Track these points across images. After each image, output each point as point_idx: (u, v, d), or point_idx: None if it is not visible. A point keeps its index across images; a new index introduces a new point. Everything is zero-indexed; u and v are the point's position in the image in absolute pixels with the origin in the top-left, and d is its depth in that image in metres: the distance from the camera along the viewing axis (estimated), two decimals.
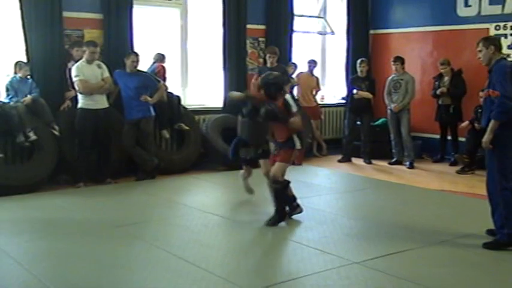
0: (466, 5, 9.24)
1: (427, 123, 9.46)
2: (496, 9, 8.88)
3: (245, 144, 6.31)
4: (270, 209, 5.76)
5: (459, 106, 8.92)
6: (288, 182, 5.72)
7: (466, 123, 8.62)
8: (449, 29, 9.52)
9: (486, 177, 5.07)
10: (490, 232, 5.16)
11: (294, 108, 5.52)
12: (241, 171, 6.64)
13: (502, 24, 8.82)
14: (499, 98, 4.82)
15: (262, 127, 5.91)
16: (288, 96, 5.59)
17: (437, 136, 9.30)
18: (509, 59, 8.60)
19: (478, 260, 4.75)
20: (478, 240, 5.16)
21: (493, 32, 8.89)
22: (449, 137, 9.19)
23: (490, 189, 5.02)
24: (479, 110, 8.53)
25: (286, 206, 5.74)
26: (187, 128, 8.30)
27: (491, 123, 4.90)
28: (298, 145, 5.55)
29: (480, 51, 5.10)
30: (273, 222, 5.59)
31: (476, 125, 8.43)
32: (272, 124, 5.66)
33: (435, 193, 7.31)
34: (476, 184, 7.74)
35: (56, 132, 7.14)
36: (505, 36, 8.79)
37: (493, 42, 5.14)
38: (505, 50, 8.72)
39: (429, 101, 9.30)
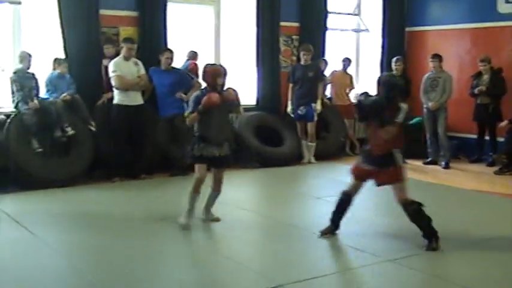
0: (507, 1, 9.03)
1: (463, 123, 9.30)
2: None
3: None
4: (304, 205, 5.74)
5: (498, 105, 8.72)
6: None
7: (505, 122, 8.43)
8: (489, 26, 9.33)
9: None
10: None
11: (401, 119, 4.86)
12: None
13: None
14: None
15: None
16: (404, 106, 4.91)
17: (474, 136, 9.12)
18: None
19: (504, 258, 4.65)
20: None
21: None
22: (486, 137, 9.00)
23: None
24: None
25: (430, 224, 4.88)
26: None
27: None
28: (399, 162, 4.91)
29: None
30: (430, 247, 4.80)
31: None
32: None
33: (472, 193, 7.17)
34: None
35: (92, 128, 7.25)
36: None
37: None
38: None
39: (466, 100, 9.13)
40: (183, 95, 7.60)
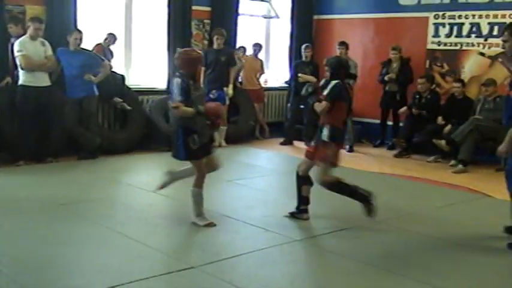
0: None
1: (367, 109, 9.72)
2: None
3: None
4: (214, 188, 5.83)
5: (405, 93, 9.20)
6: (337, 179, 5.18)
7: (404, 108, 8.92)
8: (391, 16, 9.78)
9: (507, 182, 4.76)
10: (508, 230, 4.88)
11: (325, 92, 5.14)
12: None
13: (440, 13, 9.13)
14: None
15: None
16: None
17: (377, 121, 9.56)
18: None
19: (412, 238, 4.98)
20: (413, 220, 5.41)
21: (432, 21, 9.21)
22: (389, 122, 9.46)
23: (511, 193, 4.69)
24: (417, 96, 8.86)
25: (355, 191, 5.19)
26: (129, 107, 8.25)
27: (510, 132, 4.46)
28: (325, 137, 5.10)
29: (505, 41, 4.48)
30: (368, 211, 5.13)
31: (414, 110, 8.74)
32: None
33: (374, 175, 7.55)
34: (413, 167, 8.07)
35: None
36: (443, 25, 9.10)
37: None
38: (442, 39, 9.11)
39: (370, 87, 9.56)
40: (92, 77, 7.46)
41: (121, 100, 8.13)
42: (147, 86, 9.08)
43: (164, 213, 5.50)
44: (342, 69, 5.27)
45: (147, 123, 8.50)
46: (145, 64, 9.24)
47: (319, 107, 5.16)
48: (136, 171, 7.43)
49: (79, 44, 7.39)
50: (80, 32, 7.43)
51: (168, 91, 8.96)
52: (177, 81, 4.85)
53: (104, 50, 8.12)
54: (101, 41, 8.18)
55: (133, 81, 8.89)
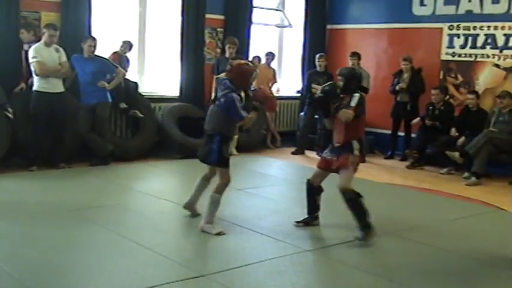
0: (422, 4, 9.47)
1: (379, 119, 9.67)
2: (450, 10, 9.13)
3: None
4: (225, 197, 5.80)
5: (416, 104, 9.15)
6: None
7: (417, 119, 8.86)
8: (405, 27, 9.75)
9: None
10: None
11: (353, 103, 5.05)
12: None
13: (455, 24, 9.08)
14: None
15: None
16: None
17: (389, 132, 9.51)
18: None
19: (423, 251, 4.93)
20: (425, 232, 5.36)
21: (446, 32, 9.17)
22: (400, 133, 9.41)
23: None
24: (430, 107, 8.81)
25: (365, 214, 5.05)
26: (141, 115, 8.27)
27: None
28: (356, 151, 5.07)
29: None
30: (359, 238, 4.99)
31: (427, 121, 8.69)
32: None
33: (386, 186, 7.51)
34: (425, 179, 8.01)
35: (10, 115, 7.00)
36: (458, 36, 9.06)
37: None
38: (457, 50, 9.06)
39: (383, 97, 9.51)
40: (106, 84, 7.50)
41: (126, 106, 8.14)
42: (159, 94, 9.11)
43: (175, 221, 5.49)
44: (353, 80, 5.21)
45: (159, 131, 8.52)
46: (159, 72, 9.28)
47: (346, 114, 5.03)
48: (147, 178, 7.44)
49: (93, 51, 7.43)
50: (94, 39, 7.48)
51: (180, 98, 9.03)
52: (234, 97, 4.93)
53: (121, 58, 8.15)
54: (117, 48, 8.21)
55: (146, 88, 8.92)
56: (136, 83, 8.42)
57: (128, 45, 8.27)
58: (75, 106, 7.49)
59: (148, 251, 4.50)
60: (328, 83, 5.57)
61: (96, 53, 7.52)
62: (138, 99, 8.39)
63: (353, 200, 5.04)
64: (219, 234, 4.99)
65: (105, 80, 7.52)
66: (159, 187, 6.75)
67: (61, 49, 7.17)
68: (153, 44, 9.08)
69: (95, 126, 7.57)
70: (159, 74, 9.28)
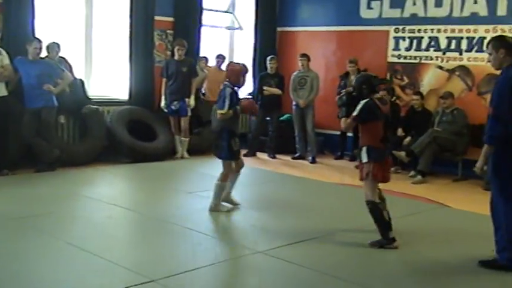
0: (369, 7, 9.65)
1: (328, 120, 9.79)
2: (396, 13, 9.34)
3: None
4: (176, 200, 5.79)
5: None
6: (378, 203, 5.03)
7: None
8: (353, 29, 9.91)
9: (490, 197, 4.60)
10: (482, 263, 4.59)
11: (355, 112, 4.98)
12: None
13: (400, 27, 9.29)
14: (491, 119, 4.33)
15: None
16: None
17: (338, 133, 9.64)
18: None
19: (367, 245, 5.03)
20: (369, 231, 5.46)
21: (392, 35, 9.36)
22: (349, 134, 9.55)
23: (493, 210, 4.53)
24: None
25: (384, 226, 4.99)
26: (94, 107, 8.18)
27: (484, 148, 4.40)
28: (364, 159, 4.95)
29: (490, 54, 4.48)
30: (376, 244, 4.98)
31: None
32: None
33: (336, 186, 7.61)
34: None
35: None
36: (403, 38, 9.26)
37: (505, 44, 4.43)
38: (402, 52, 9.27)
39: (331, 99, 9.60)
40: (52, 87, 7.33)
41: (64, 121, 8.05)
42: (108, 97, 8.98)
43: (124, 226, 5.43)
44: (363, 85, 5.05)
45: (108, 135, 8.39)
46: (107, 75, 9.14)
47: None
48: (96, 183, 7.31)
49: (38, 54, 7.26)
50: (39, 41, 7.30)
51: (129, 101, 8.93)
52: (227, 91, 5.64)
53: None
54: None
55: (93, 91, 8.77)
56: (82, 80, 8.26)
57: (55, 48, 7.83)
58: (19, 110, 7.29)
59: (97, 257, 4.42)
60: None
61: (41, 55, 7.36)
62: (86, 101, 8.25)
63: (370, 209, 4.98)
64: (228, 211, 5.72)
65: (51, 83, 7.34)
66: (107, 192, 6.65)
67: (3, 51, 6.98)
68: (101, 46, 8.94)
69: (41, 130, 7.39)
70: (107, 77, 9.15)
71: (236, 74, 5.81)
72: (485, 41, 8.17)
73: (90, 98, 8.34)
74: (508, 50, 4.40)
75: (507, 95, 4.27)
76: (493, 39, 4.61)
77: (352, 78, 9.27)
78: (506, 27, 8.20)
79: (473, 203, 6.72)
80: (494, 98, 4.38)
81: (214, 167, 8.52)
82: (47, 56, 7.78)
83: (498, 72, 4.57)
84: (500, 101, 4.31)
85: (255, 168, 8.65)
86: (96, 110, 8.24)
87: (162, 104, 8.89)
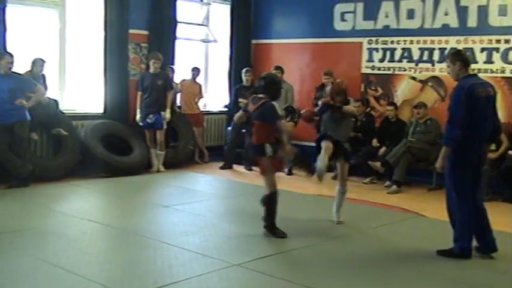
0: (342, 19, 9.75)
1: (304, 131, 9.82)
2: (369, 25, 9.44)
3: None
4: (152, 214, 5.75)
5: None
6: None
7: None
8: (327, 41, 9.99)
9: (446, 195, 5.15)
10: (439, 252, 5.15)
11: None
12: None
13: (374, 38, 9.39)
14: (447, 124, 4.88)
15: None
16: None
17: (314, 144, 9.63)
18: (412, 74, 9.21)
19: (343, 257, 5.07)
20: (347, 240, 5.48)
21: (366, 46, 9.46)
22: None
23: (448, 206, 5.11)
24: (353, 120, 9.02)
25: (269, 218, 5.53)
26: (65, 133, 8.05)
27: (443, 149, 4.94)
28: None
29: (448, 66, 5.08)
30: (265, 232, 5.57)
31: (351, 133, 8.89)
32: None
33: (313, 198, 7.62)
34: (350, 189, 8.11)
35: None
36: (377, 50, 9.37)
37: (460, 57, 5.05)
38: (376, 63, 9.37)
39: None
40: (24, 102, 7.24)
41: (36, 138, 7.92)
42: (82, 111, 8.91)
43: (99, 242, 5.37)
44: (273, 86, 5.53)
45: (82, 149, 8.31)
46: (81, 88, 9.07)
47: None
48: (70, 198, 7.22)
49: (10, 68, 7.18)
50: (11, 55, 7.22)
51: (104, 115, 8.87)
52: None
53: (34, 76, 7.84)
54: (30, 67, 7.90)
55: (67, 105, 8.69)
56: (56, 101, 8.18)
57: (40, 64, 7.93)
58: None
59: (71, 274, 4.36)
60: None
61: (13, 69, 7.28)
62: (59, 117, 8.16)
63: (275, 201, 5.52)
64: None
65: (23, 97, 7.26)
66: (82, 207, 6.58)
67: None
68: (75, 60, 8.87)
69: (13, 146, 7.29)
70: (81, 91, 9.08)
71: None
72: None
73: (63, 119, 8.20)
74: (463, 63, 4.99)
75: (463, 102, 4.80)
76: (451, 53, 5.19)
77: (328, 90, 9.32)
78: (476, 38, 8.36)
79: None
80: (451, 105, 4.90)
81: (190, 180, 8.56)
82: (30, 71, 7.73)
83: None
84: (456, 107, 4.83)
85: (231, 180, 8.65)
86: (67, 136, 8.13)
87: (138, 117, 8.84)
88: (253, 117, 5.53)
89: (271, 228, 5.53)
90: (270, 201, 5.51)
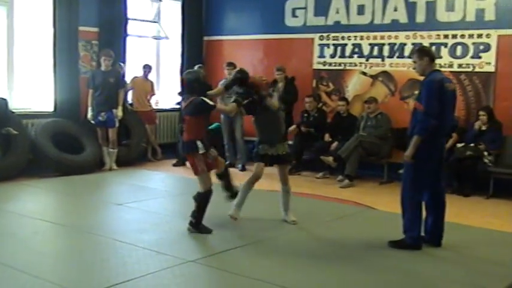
0: (294, 15, 9.84)
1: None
2: (320, 21, 9.56)
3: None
4: (104, 212, 5.70)
5: (291, 111, 9.45)
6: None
7: (293, 127, 9.16)
8: (278, 37, 10.07)
9: (401, 185, 5.27)
10: (391, 243, 5.27)
11: None
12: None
13: (325, 34, 9.52)
14: (422, 115, 4.94)
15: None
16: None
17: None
18: (362, 70, 9.34)
19: (297, 251, 5.15)
20: (300, 235, 5.56)
21: (317, 42, 9.58)
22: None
23: (402, 196, 5.21)
24: (305, 115, 9.16)
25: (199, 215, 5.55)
26: (15, 132, 7.88)
27: (414, 139, 5.01)
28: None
29: (415, 62, 5.17)
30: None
31: (302, 128, 9.02)
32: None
33: (264, 193, 7.66)
34: (303, 184, 8.29)
35: None
36: (328, 46, 9.50)
37: (427, 53, 5.18)
38: (327, 59, 9.50)
39: None
40: None
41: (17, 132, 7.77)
42: (32, 110, 8.73)
43: (51, 241, 5.30)
44: (194, 83, 5.50)
45: (32, 148, 8.15)
46: (30, 87, 8.89)
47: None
48: (20, 198, 7.07)
49: None
50: None
51: (54, 114, 8.72)
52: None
53: None
54: None
55: (16, 104, 8.50)
56: (5, 100, 7.99)
57: None
58: None
59: (24, 274, 4.29)
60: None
61: None
62: (9, 116, 7.98)
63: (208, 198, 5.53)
64: (231, 217, 5.80)
65: None
66: (33, 207, 6.46)
67: None
68: (23, 57, 8.69)
69: None
70: (30, 89, 8.89)
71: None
72: (406, 47, 8.70)
73: (12, 118, 8.02)
74: (430, 58, 5.12)
75: (435, 94, 4.94)
76: (418, 49, 5.32)
77: (280, 85, 9.43)
78: (425, 33, 8.58)
79: (399, 204, 6.94)
80: (424, 98, 4.99)
81: (143, 178, 8.51)
82: None
83: (421, 77, 5.28)
84: (429, 99, 4.94)
85: (185, 177, 8.62)
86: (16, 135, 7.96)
87: (89, 115, 8.73)
88: (184, 113, 5.59)
89: (198, 225, 5.53)
90: (202, 200, 5.50)
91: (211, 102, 5.50)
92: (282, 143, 6.00)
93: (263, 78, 6.70)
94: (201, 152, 5.42)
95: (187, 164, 9.35)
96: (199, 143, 5.42)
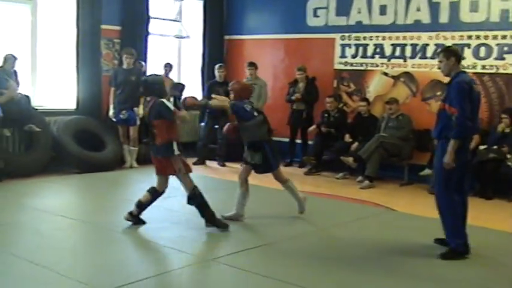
0: (315, 15, 9.81)
1: (277, 127, 9.83)
2: (342, 21, 9.52)
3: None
4: (124, 209, 5.74)
5: (311, 112, 9.44)
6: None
7: (313, 127, 9.14)
8: (300, 37, 10.04)
9: (435, 190, 5.17)
10: (438, 241, 5.20)
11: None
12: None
13: (347, 34, 9.48)
14: (458, 118, 4.76)
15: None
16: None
17: (287, 139, 9.73)
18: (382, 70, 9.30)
19: (317, 251, 5.14)
20: (319, 236, 5.55)
21: (339, 42, 9.54)
22: (298, 141, 9.67)
23: (439, 202, 5.05)
24: (326, 115, 9.13)
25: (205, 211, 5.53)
26: (38, 129, 7.97)
27: (452, 143, 4.81)
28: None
29: (440, 61, 5.03)
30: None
31: (323, 128, 9.00)
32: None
33: (285, 193, 7.66)
34: (322, 184, 8.28)
35: None
36: (349, 46, 9.45)
37: (454, 53, 5.05)
38: (348, 59, 9.46)
39: (280, 106, 9.73)
40: None
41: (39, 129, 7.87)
42: (54, 107, 8.82)
43: (72, 237, 5.35)
44: (156, 85, 5.51)
45: (55, 145, 8.24)
46: (53, 84, 8.98)
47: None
48: (43, 195, 7.16)
49: None
50: None
51: (77, 111, 8.80)
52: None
53: (4, 72, 7.73)
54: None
55: (39, 101, 8.60)
56: (28, 96, 8.08)
57: (12, 60, 7.82)
58: None
59: (45, 269, 4.35)
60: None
61: None
62: (32, 113, 8.07)
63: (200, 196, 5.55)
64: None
65: None
66: (55, 203, 6.54)
67: None
68: (47, 55, 8.78)
69: None
70: (53, 87, 8.99)
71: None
72: (428, 48, 8.63)
73: (35, 115, 8.11)
74: (457, 58, 5.00)
75: (467, 96, 4.81)
76: (445, 49, 5.18)
77: (301, 85, 9.42)
78: (448, 34, 8.49)
79: (418, 206, 6.92)
80: (457, 100, 4.81)
81: None
82: (1, 67, 7.63)
83: (445, 78, 5.22)
84: (463, 101, 4.78)
85: (204, 176, 8.64)
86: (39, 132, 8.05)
87: (111, 113, 8.80)
88: (151, 118, 5.47)
89: (212, 220, 5.51)
90: (196, 199, 5.50)
91: (171, 107, 5.44)
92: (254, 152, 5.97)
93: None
94: (177, 153, 5.44)
95: (208, 163, 9.50)
96: (174, 145, 5.43)
